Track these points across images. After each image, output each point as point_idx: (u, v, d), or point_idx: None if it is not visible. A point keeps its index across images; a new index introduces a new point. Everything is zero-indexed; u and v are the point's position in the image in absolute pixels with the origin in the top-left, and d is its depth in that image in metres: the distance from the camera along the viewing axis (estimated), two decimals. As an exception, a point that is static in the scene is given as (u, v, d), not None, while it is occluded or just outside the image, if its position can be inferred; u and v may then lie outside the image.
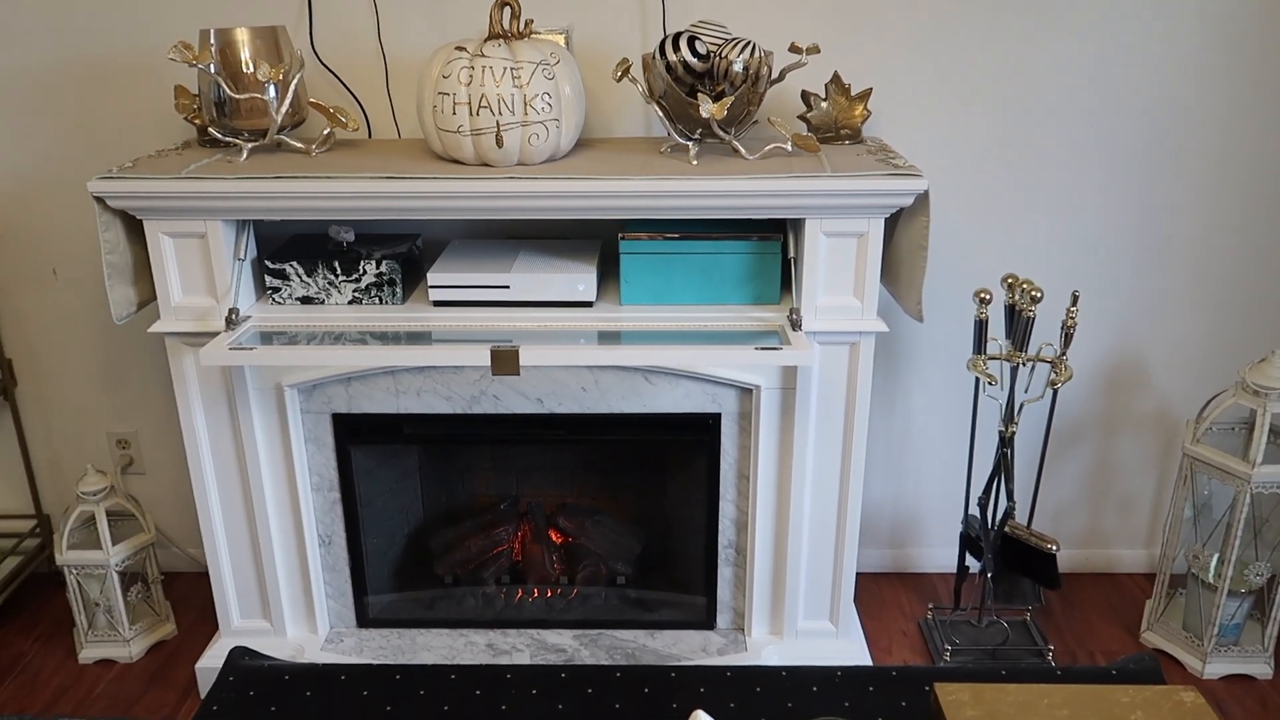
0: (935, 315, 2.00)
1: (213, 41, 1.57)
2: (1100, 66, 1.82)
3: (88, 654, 1.95)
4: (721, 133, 1.59)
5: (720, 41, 1.57)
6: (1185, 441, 1.87)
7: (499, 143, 1.54)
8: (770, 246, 1.64)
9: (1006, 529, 1.91)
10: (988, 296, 1.75)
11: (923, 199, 1.55)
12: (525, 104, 1.52)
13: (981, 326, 1.78)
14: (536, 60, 1.53)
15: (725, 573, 1.82)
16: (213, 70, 1.56)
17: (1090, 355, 2.04)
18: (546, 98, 1.53)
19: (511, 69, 1.51)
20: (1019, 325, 1.77)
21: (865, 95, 1.76)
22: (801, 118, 1.77)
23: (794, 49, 1.58)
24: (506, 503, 1.97)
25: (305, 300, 1.68)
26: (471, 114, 1.52)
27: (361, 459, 1.77)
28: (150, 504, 2.15)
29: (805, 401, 1.67)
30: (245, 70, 1.58)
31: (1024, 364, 1.79)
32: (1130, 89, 1.84)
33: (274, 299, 1.68)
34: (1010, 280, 1.76)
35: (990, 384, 1.79)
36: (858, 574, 2.21)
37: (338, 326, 1.62)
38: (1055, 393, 1.82)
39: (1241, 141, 1.87)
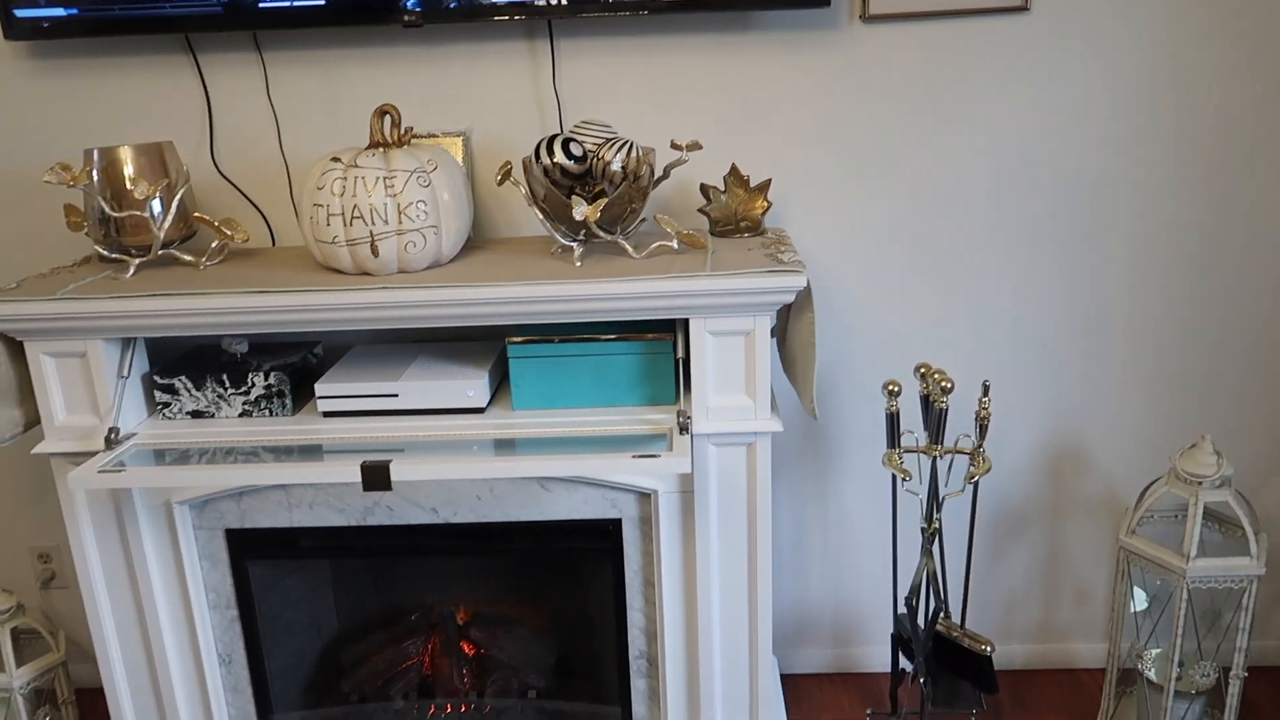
0: (862, 406, 1.94)
1: (95, 160, 1.57)
2: (1003, 146, 1.79)
3: (-6, 780, 1.90)
4: (603, 233, 1.56)
5: (600, 142, 1.55)
6: (1119, 532, 1.78)
7: (374, 252, 1.52)
8: (661, 346, 1.60)
9: (939, 629, 1.82)
10: (896, 389, 1.69)
11: (805, 295, 1.51)
12: (399, 212, 1.50)
13: (893, 420, 1.71)
14: (411, 168, 1.51)
15: (639, 684, 1.74)
16: (92, 189, 1.57)
17: (1028, 440, 1.96)
18: (422, 205, 1.52)
19: (384, 178, 1.50)
20: (933, 417, 1.70)
21: (764, 186, 1.73)
22: (702, 211, 1.74)
23: (674, 146, 1.56)
24: (418, 614, 1.91)
25: (196, 414, 1.66)
26: (345, 224, 1.50)
27: (262, 574, 1.73)
28: (74, 619, 2.12)
29: (705, 504, 1.61)
30: (128, 187, 1.58)
31: (940, 457, 1.72)
32: (1038, 166, 1.80)
33: (164, 414, 1.66)
34: (923, 370, 1.71)
35: (905, 479, 1.72)
36: (798, 676, 2.12)
37: (226, 441, 1.59)
38: (976, 486, 1.74)
39: (1159, 212, 1.82)
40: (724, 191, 1.73)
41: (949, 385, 1.66)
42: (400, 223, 1.51)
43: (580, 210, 1.48)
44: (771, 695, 1.89)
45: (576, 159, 1.54)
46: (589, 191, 1.56)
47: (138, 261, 1.62)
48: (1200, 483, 1.68)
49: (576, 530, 1.66)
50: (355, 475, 1.45)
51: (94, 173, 1.57)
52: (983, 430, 1.70)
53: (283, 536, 1.68)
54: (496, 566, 1.93)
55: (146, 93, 1.79)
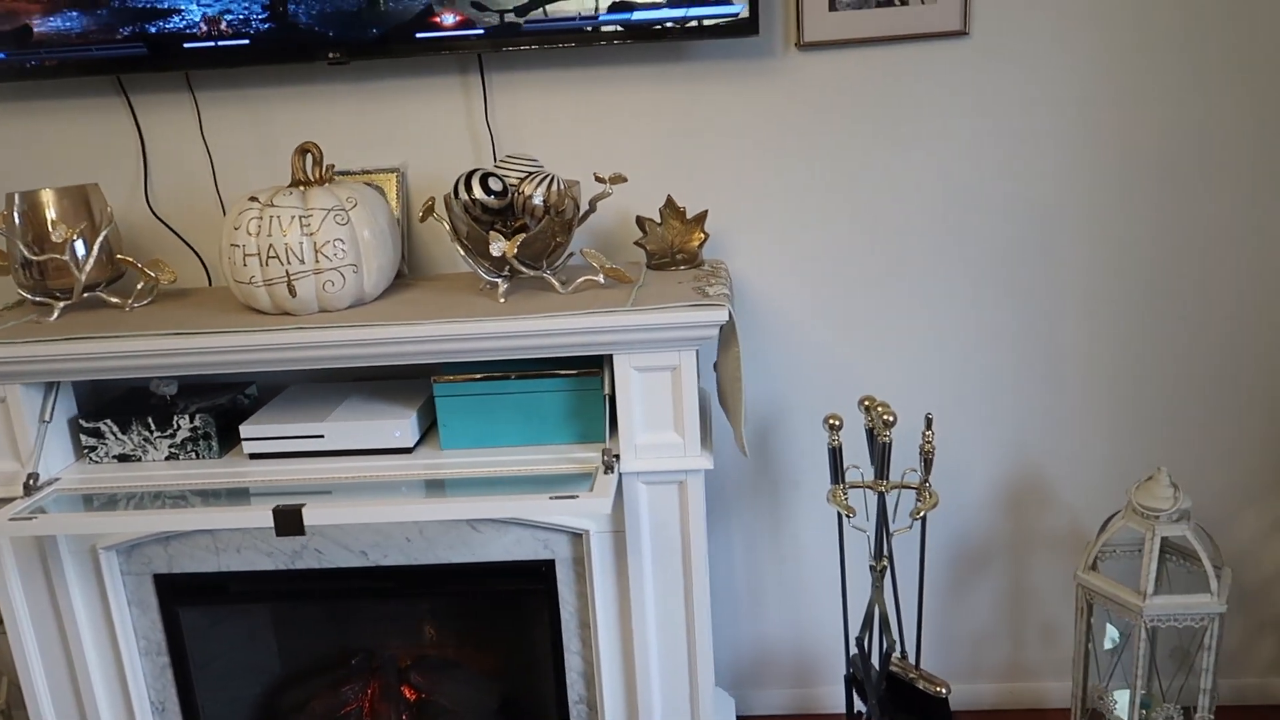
0: (813, 440, 1.89)
1: (17, 204, 1.56)
2: (949, 173, 1.74)
3: (-67, 832, 1.87)
4: (525, 269, 1.53)
5: (522, 176, 1.53)
6: (1078, 568, 1.71)
7: (291, 292, 1.49)
8: (591, 383, 1.56)
9: (893, 669, 1.76)
10: (837, 422, 1.65)
11: (730, 329, 1.47)
12: (316, 251, 1.48)
13: (835, 455, 1.66)
14: (328, 206, 1.49)
15: (580, 730, 1.69)
16: (14, 232, 1.56)
17: (987, 474, 1.90)
18: (340, 244, 1.49)
19: (301, 217, 1.48)
20: (877, 451, 1.65)
21: (700, 218, 1.69)
22: (638, 244, 1.70)
23: (598, 179, 1.53)
24: (358, 658, 1.86)
25: (122, 458, 1.64)
26: (262, 264, 1.48)
27: (193, 619, 1.70)
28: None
29: (638, 544, 1.56)
30: (50, 231, 1.57)
31: (887, 492, 1.66)
32: (985, 193, 1.75)
33: (91, 458, 1.64)
34: (867, 403, 1.66)
35: (849, 516, 1.67)
36: (759, 717, 2.06)
37: (149, 485, 1.57)
38: (924, 522, 1.68)
39: (1110, 239, 1.77)
40: (660, 224, 1.70)
41: (892, 419, 1.61)
42: (317, 261, 1.49)
43: (498, 246, 1.45)
44: (723, 740, 1.83)
45: (496, 194, 1.51)
46: (511, 227, 1.53)
47: (62, 305, 1.61)
48: (1157, 516, 1.62)
49: (509, 572, 1.61)
50: (267, 520, 1.42)
51: (16, 216, 1.56)
52: (927, 464, 1.64)
53: (211, 581, 1.64)
54: (438, 609, 1.88)
55: (82, 135, 1.78)
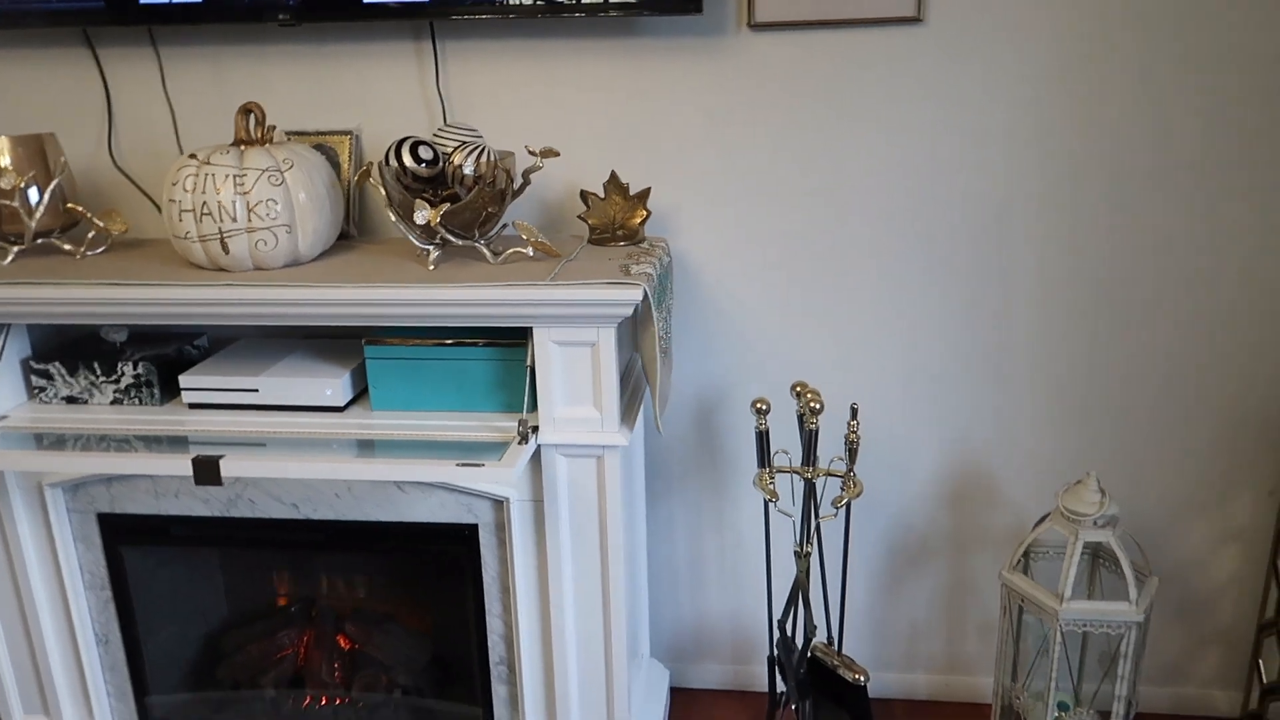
0: (751, 421, 1.90)
1: (-28, 150, 1.61)
2: (900, 161, 1.72)
3: (-102, 742, 1.97)
4: (453, 238, 1.54)
5: (454, 145, 1.54)
6: (1004, 567, 1.70)
7: (224, 249, 1.53)
8: (517, 354, 1.58)
9: (818, 654, 1.77)
10: (764, 406, 1.65)
11: (646, 310, 1.47)
12: (249, 210, 1.51)
13: (762, 438, 1.67)
14: (263, 167, 1.52)
15: (499, 690, 1.73)
16: (-30, 178, 1.61)
17: (930, 467, 1.89)
18: (272, 204, 1.52)
19: (235, 176, 1.51)
20: (804, 437, 1.65)
21: (644, 195, 1.69)
22: (581, 218, 1.71)
23: (530, 152, 1.53)
24: (297, 606, 1.92)
25: (70, 400, 1.70)
26: (196, 220, 1.52)
27: (137, 559, 1.76)
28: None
29: (555, 515, 1.59)
30: (10, 177, 1.62)
31: (813, 479, 1.67)
32: (935, 183, 1.72)
33: (41, 398, 1.70)
34: (798, 388, 1.65)
35: (773, 501, 1.67)
36: (695, 690, 2.08)
37: (96, 428, 1.62)
38: (848, 511, 1.68)
39: (1062, 235, 1.73)
40: (603, 199, 1.70)
41: (818, 405, 1.61)
42: (250, 220, 1.52)
43: (422, 215, 1.47)
44: (647, 707, 1.86)
45: (427, 162, 1.52)
46: (441, 196, 1.55)
47: (15, 250, 1.66)
48: (1080, 521, 1.60)
49: (434, 534, 1.65)
50: (187, 469, 1.47)
51: (-29, 162, 1.61)
52: (852, 454, 1.64)
53: (152, 523, 1.70)
54: (373, 565, 1.93)
55: (50, 86, 1.83)
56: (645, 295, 1.44)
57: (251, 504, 1.67)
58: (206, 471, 1.46)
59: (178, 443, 1.59)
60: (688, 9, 1.58)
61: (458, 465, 1.43)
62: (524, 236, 1.56)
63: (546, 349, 1.51)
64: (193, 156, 1.54)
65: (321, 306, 1.48)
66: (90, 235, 1.70)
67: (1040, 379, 1.81)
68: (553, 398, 1.53)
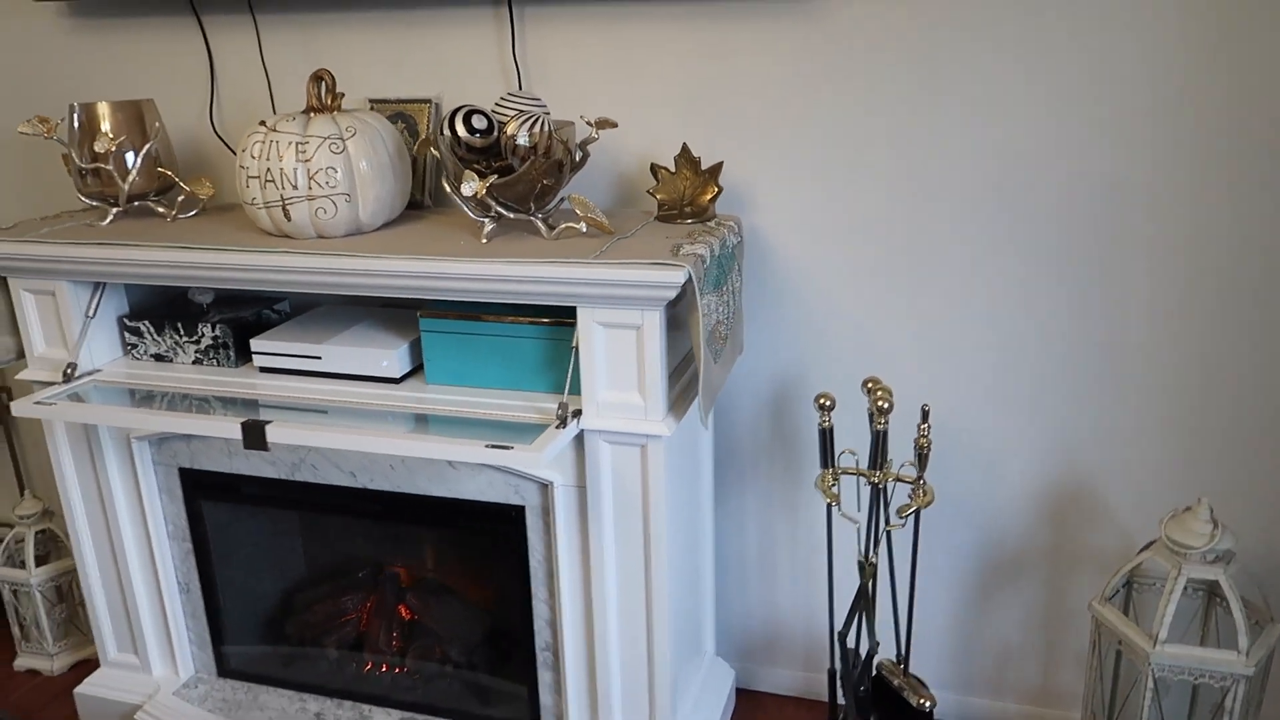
0: (835, 415, 1.77)
1: (75, 114, 1.69)
2: (1004, 136, 1.55)
3: (20, 662, 2.14)
4: (507, 211, 1.50)
5: (510, 115, 1.49)
6: (1095, 596, 1.52)
7: (286, 216, 1.54)
8: (564, 333, 1.53)
9: (883, 673, 1.64)
10: (828, 402, 1.53)
11: (691, 293, 1.38)
12: (309, 178, 1.52)
13: (825, 437, 1.55)
14: (325, 135, 1.52)
15: (544, 676, 1.69)
16: (72, 141, 1.69)
17: (1027, 477, 1.71)
18: (331, 172, 1.52)
19: (298, 143, 1.52)
20: (873, 438, 1.52)
21: (715, 171, 1.60)
22: (650, 193, 1.63)
23: (586, 123, 1.47)
24: (365, 571, 1.95)
25: (158, 358, 1.77)
26: (261, 187, 1.54)
27: (215, 513, 1.83)
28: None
29: (598, 503, 1.53)
30: (105, 141, 1.70)
31: (881, 484, 1.54)
32: (1044, 162, 1.54)
33: (133, 355, 1.78)
34: (869, 384, 1.53)
35: (835, 504, 1.55)
36: (765, 694, 1.99)
37: (178, 385, 1.69)
38: (917, 520, 1.54)
39: (1183, 221, 1.52)
40: (674, 174, 1.62)
41: (887, 404, 1.48)
42: (310, 188, 1.52)
43: (470, 186, 1.43)
44: (703, 707, 1.78)
45: (481, 132, 1.48)
46: (494, 167, 1.50)
47: (115, 211, 1.74)
48: (1185, 554, 1.40)
49: (484, 513, 1.63)
50: (237, 432, 1.49)
51: (75, 126, 1.69)
52: (922, 459, 1.50)
53: (225, 480, 1.76)
54: (436, 538, 1.93)
55: (162, 53, 1.90)
56: (690, 279, 1.36)
57: (314, 469, 1.69)
58: (254, 436, 1.48)
59: (245, 405, 1.63)
60: (761, -29, 1.47)
61: (486, 447, 1.39)
62: (578, 212, 1.49)
63: (590, 330, 1.44)
64: (263, 123, 1.56)
65: (358, 276, 1.47)
66: (180, 199, 1.76)
67: (1153, 387, 1.61)
68: (596, 381, 1.47)
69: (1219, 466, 1.62)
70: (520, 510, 1.60)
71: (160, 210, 1.76)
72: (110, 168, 1.68)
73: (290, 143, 1.52)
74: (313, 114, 1.56)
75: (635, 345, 1.44)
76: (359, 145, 1.54)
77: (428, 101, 1.76)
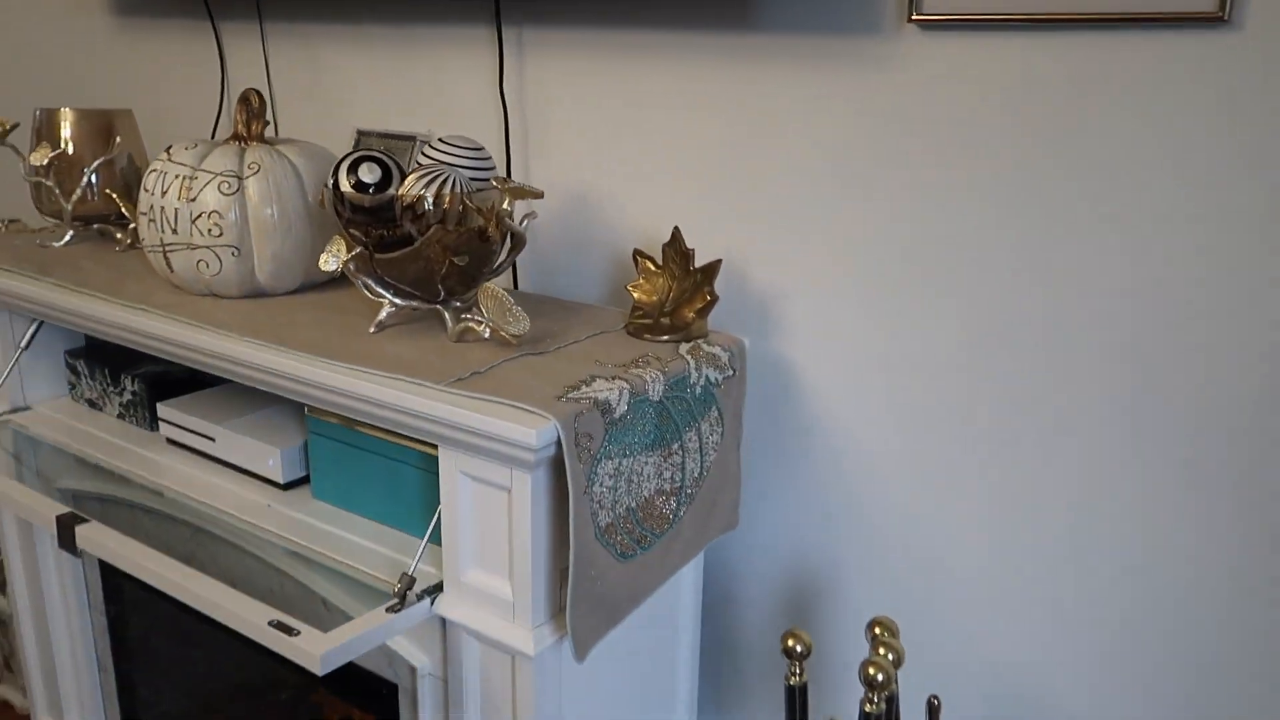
0: (849, 640, 1.21)
1: (35, 119, 1.49)
2: (1161, 264, 0.95)
3: (-1, 691, 2.02)
4: (395, 297, 1.10)
5: (425, 170, 1.09)
6: None
7: (168, 265, 1.24)
8: (454, 470, 1.10)
9: None
10: (800, 647, 0.99)
11: (553, 462, 0.91)
12: (191, 222, 1.20)
13: (793, 698, 1.01)
14: (218, 171, 1.20)
15: None
16: (21, 148, 1.49)
17: (1151, 809, 1.07)
18: (216, 218, 1.19)
19: (186, 178, 1.21)
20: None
21: (710, 273, 1.12)
22: (629, 290, 1.17)
23: (496, 182, 1.05)
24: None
25: (91, 403, 1.54)
26: (147, 226, 1.24)
27: (135, 590, 1.57)
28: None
29: (461, 710, 1.09)
30: (42, 154, 1.48)
31: (867, 788, 0.98)
32: (1218, 316, 0.93)
33: (73, 395, 1.56)
34: (877, 629, 0.98)
35: (792, 799, 1.01)
36: None
37: (84, 449, 1.43)
38: None
39: None
40: (658, 268, 1.15)
41: (882, 676, 0.93)
42: (191, 235, 1.21)
43: (330, 259, 1.05)
44: None
45: (373, 187, 1.09)
46: (392, 236, 1.11)
47: (70, 233, 1.52)
48: None
49: (355, 685, 1.24)
50: (52, 523, 1.20)
51: (33, 132, 1.50)
52: (923, 777, 0.93)
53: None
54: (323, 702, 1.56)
55: (189, 57, 1.69)
56: (559, 437, 0.89)
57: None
58: (65, 535, 1.19)
59: (135, 488, 1.34)
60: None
61: (269, 625, 1.00)
62: (482, 308, 1.07)
63: (454, 481, 1.01)
64: (168, 149, 1.26)
65: (200, 356, 1.14)
66: (130, 226, 1.52)
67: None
68: (460, 552, 1.03)
69: None
70: (393, 690, 1.20)
71: (118, 236, 1.53)
72: (50, 183, 1.46)
73: (177, 176, 1.21)
74: (237, 142, 1.25)
75: (505, 513, 0.99)
76: (261, 187, 1.20)
77: (412, 139, 1.40)
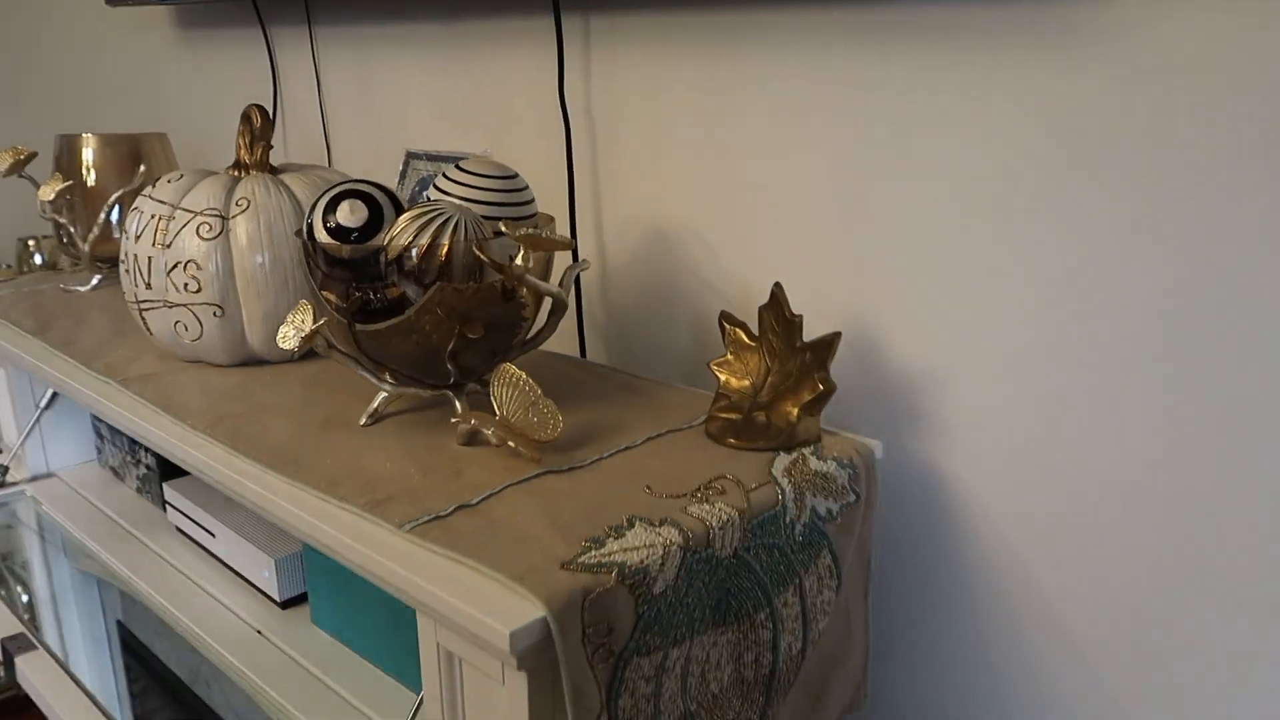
0: None
1: (55, 148, 1.30)
2: None
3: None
4: (389, 380, 0.81)
5: (427, 208, 0.80)
6: None
7: (146, 325, 0.99)
8: (459, 622, 0.80)
9: None
10: None
11: (560, 653, 0.59)
12: (165, 274, 0.95)
13: None
14: (198, 209, 0.95)
15: None
16: (31, 181, 1.30)
17: None
18: (194, 269, 0.94)
19: (164, 219, 0.96)
20: None
21: (825, 348, 0.77)
22: (716, 367, 0.84)
23: (498, 231, 0.74)
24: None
25: (115, 471, 1.33)
26: (125, 276, 1.01)
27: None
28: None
29: None
30: (89, 184, 1.28)
31: None
32: None
33: (99, 462, 1.36)
34: None
35: None
36: None
37: (86, 531, 1.22)
38: None
39: None
40: (753, 341, 0.81)
41: None
42: (166, 290, 0.96)
43: (289, 334, 0.77)
44: None
45: (355, 233, 0.80)
46: (381, 298, 0.81)
47: (98, 278, 1.32)
48: None
49: None
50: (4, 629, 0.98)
51: (57, 161, 1.30)
52: None
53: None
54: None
55: (247, 72, 1.47)
56: (549, 626, 0.57)
57: (207, 686, 1.14)
58: (8, 664, 0.96)
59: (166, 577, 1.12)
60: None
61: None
62: (495, 402, 0.76)
63: (433, 658, 0.71)
64: (154, 183, 1.02)
65: (155, 445, 0.88)
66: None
67: None
68: (452, 750, 0.73)
69: None
70: None
71: (145, 280, 1.32)
72: (64, 220, 1.26)
73: (154, 216, 0.96)
74: (230, 172, 1.00)
75: (505, 706, 0.67)
76: (250, 228, 0.94)
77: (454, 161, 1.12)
